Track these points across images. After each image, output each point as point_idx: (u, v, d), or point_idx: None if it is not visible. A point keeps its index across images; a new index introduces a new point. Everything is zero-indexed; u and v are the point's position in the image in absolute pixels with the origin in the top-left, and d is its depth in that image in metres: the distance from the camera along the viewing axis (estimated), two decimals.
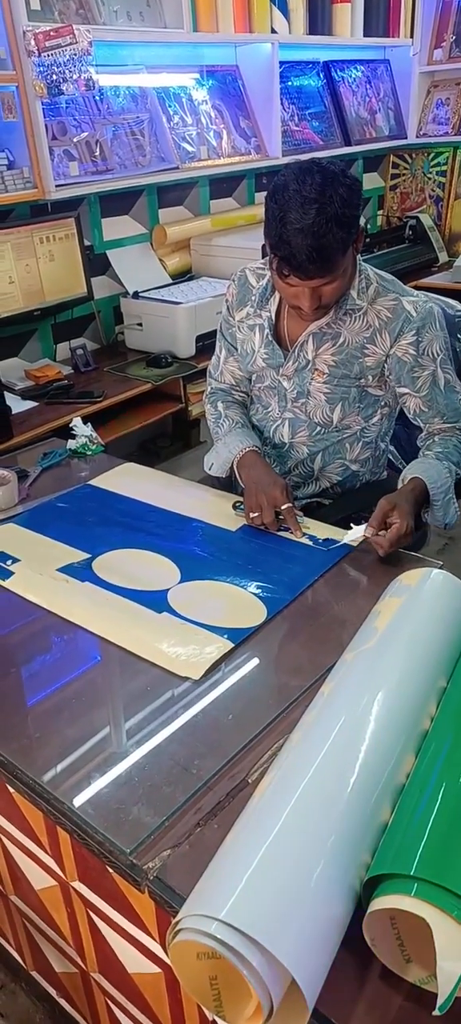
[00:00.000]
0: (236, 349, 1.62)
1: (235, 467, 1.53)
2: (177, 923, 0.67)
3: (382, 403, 1.54)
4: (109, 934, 0.99)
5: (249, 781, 0.89)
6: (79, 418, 1.84)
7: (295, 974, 0.62)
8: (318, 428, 1.54)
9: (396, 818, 0.75)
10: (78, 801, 0.88)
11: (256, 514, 1.40)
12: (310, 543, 1.35)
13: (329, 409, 1.51)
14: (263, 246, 2.68)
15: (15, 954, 1.30)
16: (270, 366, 1.55)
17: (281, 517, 1.40)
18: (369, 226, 3.80)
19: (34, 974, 1.27)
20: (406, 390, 1.48)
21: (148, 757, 0.93)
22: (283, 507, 1.39)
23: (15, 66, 2.25)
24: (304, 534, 1.38)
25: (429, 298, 1.58)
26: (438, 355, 1.46)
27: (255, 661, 1.09)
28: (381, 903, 0.68)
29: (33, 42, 2.25)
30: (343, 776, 0.77)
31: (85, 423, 1.83)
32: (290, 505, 1.40)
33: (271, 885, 0.67)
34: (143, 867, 0.80)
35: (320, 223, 1.25)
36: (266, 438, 1.62)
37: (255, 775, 0.90)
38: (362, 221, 1.50)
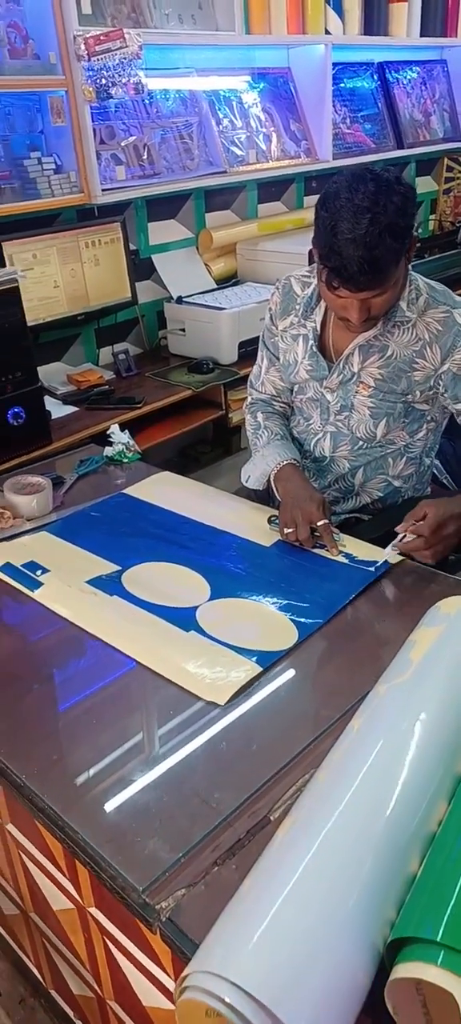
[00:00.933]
0: (278, 359, 1.57)
1: (272, 480, 1.48)
2: (185, 978, 0.63)
3: (428, 418, 1.47)
4: (124, 964, 0.96)
5: (271, 819, 0.85)
6: (117, 425, 1.82)
7: None
8: (360, 443, 1.48)
9: (424, 873, 0.70)
10: (93, 831, 0.85)
11: (291, 530, 1.35)
12: (346, 561, 1.30)
13: (373, 424, 1.45)
14: (310, 251, 2.65)
15: (35, 970, 1.28)
16: (313, 378, 1.49)
17: (317, 534, 1.35)
18: (420, 231, 3.70)
19: (53, 993, 1.25)
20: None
21: (167, 787, 0.90)
22: (319, 523, 1.34)
23: (65, 71, 2.25)
24: (340, 552, 1.32)
25: None
26: None
27: (283, 687, 1.05)
28: (405, 970, 0.62)
29: (83, 47, 2.26)
30: (370, 822, 0.72)
31: (123, 430, 1.81)
32: (326, 522, 1.35)
33: (285, 944, 0.62)
34: (156, 907, 0.76)
35: (372, 233, 1.20)
36: (306, 451, 1.57)
37: (278, 812, 0.85)
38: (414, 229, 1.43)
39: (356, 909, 0.66)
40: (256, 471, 1.52)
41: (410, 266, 1.40)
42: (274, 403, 1.62)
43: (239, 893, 0.70)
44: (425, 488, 1.59)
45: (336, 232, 1.22)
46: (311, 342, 1.48)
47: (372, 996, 0.64)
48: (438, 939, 0.61)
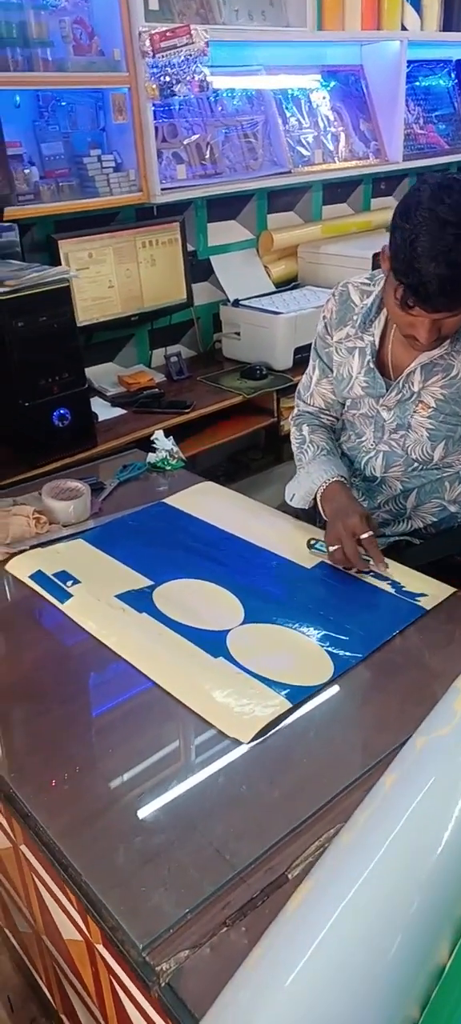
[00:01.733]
0: (331, 371, 1.47)
1: (318, 500, 1.39)
2: None
3: None
4: (131, 1009, 0.89)
5: (289, 876, 0.77)
6: (161, 431, 1.77)
7: None
8: (415, 464, 1.38)
9: (454, 966, 0.61)
10: (99, 873, 0.79)
11: (336, 547, 1.26)
12: (393, 591, 1.20)
13: (430, 446, 1.34)
14: (375, 255, 2.54)
15: (46, 991, 1.24)
16: (369, 395, 1.39)
17: (363, 551, 1.25)
18: None
19: (63, 1018, 1.20)
20: None
21: (180, 830, 0.83)
22: (363, 536, 1.24)
23: (129, 68, 2.23)
24: (387, 578, 1.23)
25: None
26: None
27: (313, 728, 0.97)
28: None
29: (148, 43, 2.23)
30: (396, 901, 0.64)
31: (167, 436, 1.77)
32: (371, 534, 1.25)
33: None
34: (156, 967, 0.70)
35: (457, 250, 1.10)
36: (356, 469, 1.47)
37: (297, 870, 0.77)
38: None
39: (373, 1000, 0.58)
40: (301, 489, 1.43)
41: None
42: (322, 416, 1.53)
43: (246, 967, 0.62)
44: None
45: (416, 247, 1.11)
46: (368, 357, 1.37)
47: None
48: None
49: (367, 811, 0.75)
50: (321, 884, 0.67)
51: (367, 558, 1.25)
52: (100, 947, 0.91)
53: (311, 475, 1.41)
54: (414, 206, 1.13)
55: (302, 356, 2.35)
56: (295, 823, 0.82)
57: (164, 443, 1.74)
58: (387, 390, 1.36)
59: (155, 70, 2.30)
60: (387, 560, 1.26)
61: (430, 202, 1.11)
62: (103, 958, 0.92)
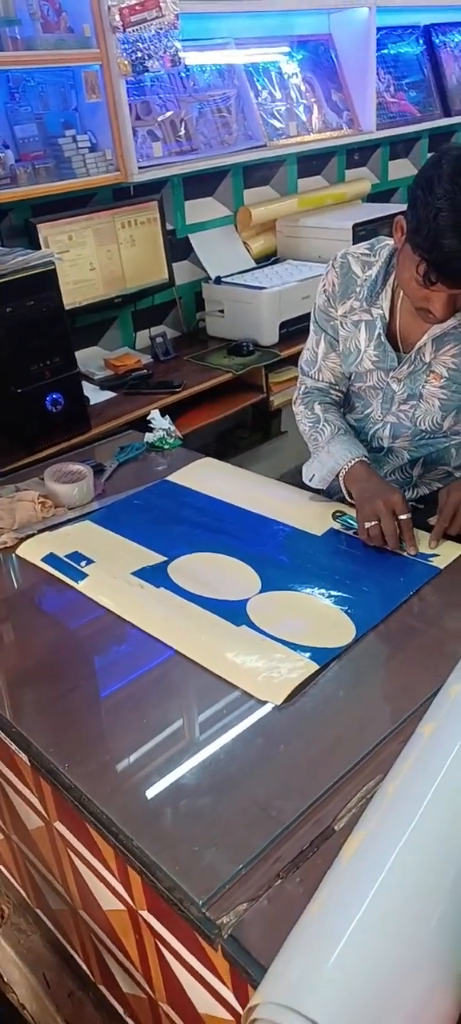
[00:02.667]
0: (338, 343, 1.44)
1: (342, 480, 1.37)
2: (253, 1008, 0.58)
3: None
4: (179, 970, 0.92)
5: (335, 828, 0.80)
6: (157, 410, 1.78)
7: None
8: (423, 433, 1.39)
9: None
10: (149, 838, 0.81)
11: (374, 523, 1.24)
12: (404, 553, 1.23)
13: (441, 416, 1.36)
14: (355, 226, 2.56)
15: (83, 965, 1.26)
16: (379, 368, 1.38)
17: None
18: None
19: (102, 988, 1.22)
20: None
21: (223, 794, 0.85)
22: (402, 517, 1.24)
23: (99, 44, 2.19)
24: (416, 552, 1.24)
25: None
26: None
27: (342, 687, 0.99)
28: None
29: (118, 17, 2.19)
30: (448, 838, 0.67)
31: (163, 415, 1.77)
32: (410, 516, 1.25)
33: (361, 973, 0.58)
34: (217, 922, 0.72)
35: None
36: (362, 440, 1.46)
37: (342, 822, 0.80)
38: None
39: (438, 933, 0.61)
40: (323, 469, 1.41)
41: None
42: (332, 392, 1.50)
43: (307, 914, 0.65)
44: None
45: (439, 221, 1.09)
46: (379, 330, 1.36)
47: None
48: None
49: (409, 760, 0.78)
50: (373, 832, 0.70)
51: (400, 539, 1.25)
52: (144, 913, 0.93)
53: (333, 455, 1.39)
54: (436, 179, 1.10)
55: (288, 331, 2.37)
56: (336, 778, 0.85)
57: (161, 422, 1.74)
58: (399, 363, 1.36)
59: (126, 46, 2.27)
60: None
61: (453, 175, 1.09)
62: (148, 924, 0.94)
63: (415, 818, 0.69)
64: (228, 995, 0.82)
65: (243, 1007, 0.79)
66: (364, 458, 1.37)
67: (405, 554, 1.23)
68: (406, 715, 0.91)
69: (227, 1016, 0.85)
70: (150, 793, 0.87)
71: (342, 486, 1.38)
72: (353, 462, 1.36)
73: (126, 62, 2.26)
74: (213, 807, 0.84)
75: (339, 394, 1.51)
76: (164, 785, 0.88)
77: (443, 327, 1.30)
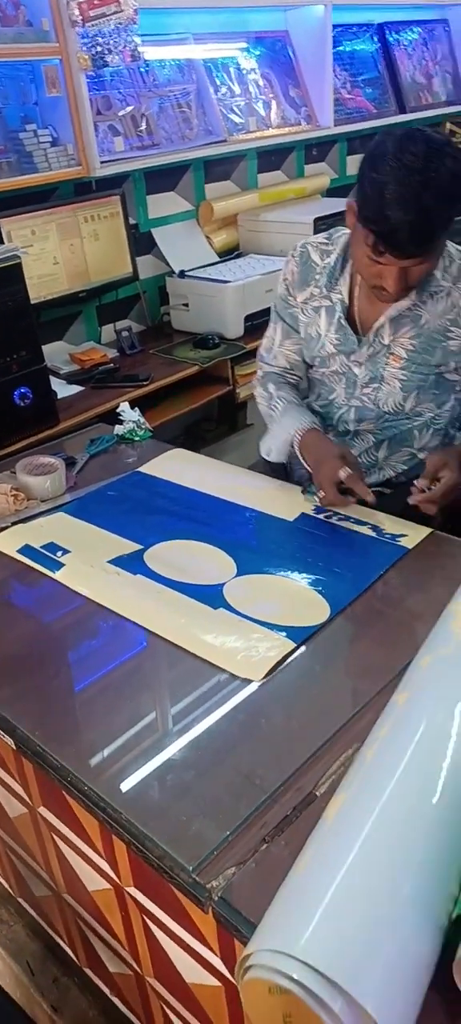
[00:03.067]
0: (297, 332, 1.51)
1: (298, 451, 1.44)
2: (247, 957, 0.62)
3: (457, 388, 1.44)
4: (166, 942, 0.95)
5: (317, 794, 0.84)
6: (127, 403, 1.79)
7: (381, 1021, 0.56)
8: (387, 415, 1.45)
9: None
10: (136, 810, 0.84)
11: (322, 494, 1.32)
12: (374, 535, 1.28)
13: (402, 397, 1.41)
14: (316, 219, 2.60)
15: (68, 950, 1.28)
16: (341, 351, 1.44)
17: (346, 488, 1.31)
18: None
19: (87, 971, 1.24)
20: None
21: (208, 766, 0.88)
22: (342, 476, 1.29)
23: (59, 38, 2.19)
24: (367, 523, 1.30)
25: None
26: None
27: (319, 662, 1.03)
28: None
29: (77, 11, 2.19)
30: (426, 797, 0.71)
31: (132, 408, 1.79)
32: (349, 472, 1.30)
33: (351, 920, 0.61)
34: (206, 886, 0.75)
35: (426, 198, 1.15)
36: (328, 425, 1.52)
37: (324, 788, 0.84)
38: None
39: (417, 884, 0.65)
40: (277, 442, 1.48)
41: None
42: (287, 375, 1.58)
43: (295, 869, 0.68)
44: None
45: (385, 194, 1.16)
46: (339, 314, 1.42)
47: (440, 971, 0.63)
48: None
49: (385, 727, 0.82)
50: (354, 794, 0.74)
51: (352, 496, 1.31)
52: (131, 890, 0.96)
53: (285, 427, 1.46)
54: (380, 156, 1.18)
55: (253, 323, 2.40)
56: (316, 747, 0.89)
57: (130, 415, 1.76)
58: (358, 345, 1.41)
59: (86, 40, 2.27)
60: (368, 509, 1.32)
61: (396, 152, 1.16)
62: (134, 899, 0.96)
63: (393, 779, 0.73)
64: (216, 961, 0.85)
65: (230, 971, 0.83)
66: (314, 425, 1.43)
67: (369, 530, 1.28)
68: (381, 687, 0.96)
69: (215, 982, 0.88)
70: (136, 771, 0.89)
71: (300, 458, 1.44)
72: (304, 431, 1.42)
73: (86, 56, 2.26)
74: (199, 780, 0.87)
75: (294, 378, 1.58)
76: (150, 763, 0.90)
77: (399, 307, 1.35)
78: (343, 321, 1.42)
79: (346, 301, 1.42)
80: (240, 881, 0.75)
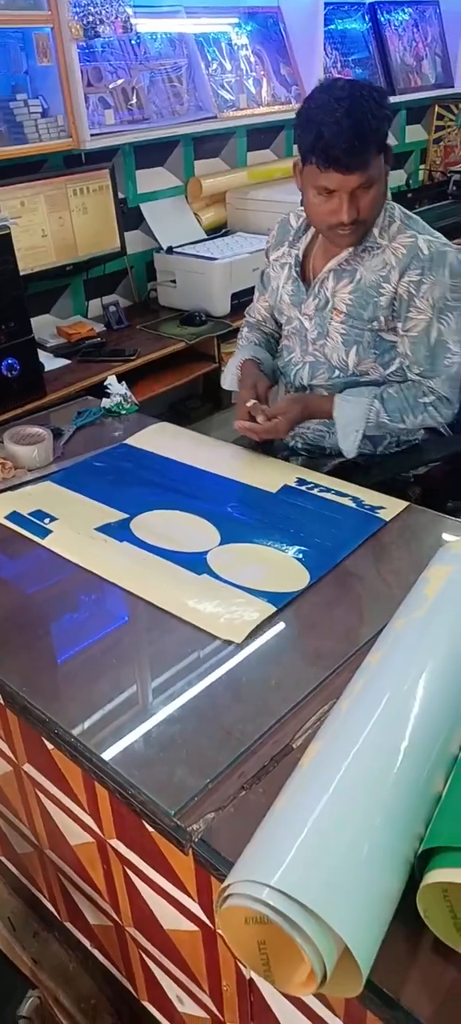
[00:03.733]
0: (266, 289, 1.68)
1: (236, 378, 1.64)
2: (226, 887, 0.66)
3: (400, 350, 1.50)
4: (145, 891, 0.99)
5: (293, 747, 0.88)
6: (114, 377, 1.81)
7: (350, 944, 0.60)
8: (337, 371, 1.54)
9: (451, 790, 0.73)
10: (120, 761, 0.87)
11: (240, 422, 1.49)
12: (354, 506, 1.32)
13: (345, 352, 1.51)
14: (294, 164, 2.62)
15: (49, 905, 1.31)
16: (293, 303, 1.57)
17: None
18: (411, 182, 3.68)
19: (68, 925, 1.28)
20: (400, 329, 1.46)
21: (190, 720, 0.92)
22: (248, 404, 1.47)
23: (50, 6, 2.18)
24: (349, 495, 1.35)
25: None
26: (437, 303, 1.41)
27: (298, 626, 1.07)
28: (435, 876, 0.66)
29: None
30: (394, 745, 0.75)
31: (120, 381, 1.81)
32: (254, 402, 1.47)
33: (323, 854, 0.66)
34: (187, 829, 0.79)
35: (355, 112, 1.29)
36: (288, 383, 1.65)
37: (299, 740, 0.88)
38: (392, 140, 1.56)
39: (386, 821, 0.69)
40: (230, 370, 1.68)
41: (390, 196, 1.49)
42: (260, 326, 1.75)
43: (273, 811, 0.72)
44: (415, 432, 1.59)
45: (318, 116, 1.31)
46: (293, 267, 1.56)
47: (405, 901, 0.67)
48: None
49: (360, 682, 0.86)
50: (329, 742, 0.78)
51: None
52: (113, 841, 1.00)
53: (236, 358, 1.68)
54: (311, 99, 1.36)
55: (239, 302, 2.42)
56: (293, 704, 0.93)
57: (117, 388, 1.78)
58: (306, 295, 1.54)
59: (77, 9, 2.26)
60: (348, 482, 1.41)
61: (324, 92, 1.34)
62: (116, 851, 1.00)
63: (366, 728, 0.77)
64: (194, 906, 0.89)
65: (207, 915, 0.87)
66: (254, 358, 1.64)
67: (349, 502, 1.33)
68: (355, 649, 1.00)
69: (192, 927, 0.92)
70: (121, 725, 0.93)
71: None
72: (244, 360, 1.64)
73: (78, 25, 2.25)
74: (181, 733, 0.90)
75: (268, 329, 1.74)
76: (134, 718, 0.94)
77: (339, 259, 1.47)
78: (295, 273, 1.55)
79: (300, 256, 1.55)
80: (219, 825, 0.79)
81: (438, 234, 1.47)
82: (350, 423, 1.45)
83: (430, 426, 1.50)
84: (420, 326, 1.42)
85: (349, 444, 1.46)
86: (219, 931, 0.85)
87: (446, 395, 1.46)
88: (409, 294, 1.41)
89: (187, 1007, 1.04)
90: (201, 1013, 1.00)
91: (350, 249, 1.45)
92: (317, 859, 0.65)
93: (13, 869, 1.40)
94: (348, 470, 1.54)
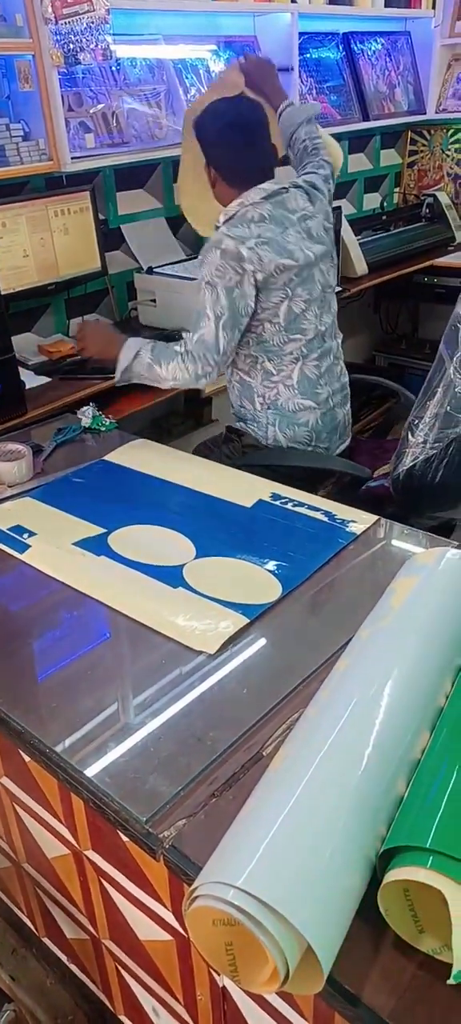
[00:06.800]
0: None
1: None
2: (194, 890, 0.67)
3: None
4: (121, 902, 1.00)
5: (263, 754, 0.90)
6: (88, 407, 1.84)
7: (312, 942, 0.62)
8: None
9: (412, 792, 0.76)
10: (94, 770, 0.89)
11: None
12: (326, 519, 1.35)
13: None
14: None
15: (27, 921, 1.32)
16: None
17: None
18: (386, 204, 3.76)
19: (45, 940, 1.29)
20: None
21: (163, 729, 0.94)
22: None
23: (32, 34, 2.22)
24: (322, 510, 1.38)
25: (260, 243, 1.74)
26: (204, 278, 1.70)
27: (270, 637, 1.10)
28: (396, 875, 0.68)
29: (50, 9, 2.23)
30: (359, 750, 0.78)
31: (95, 407, 1.84)
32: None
33: (288, 855, 0.68)
34: (159, 836, 0.81)
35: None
36: None
37: (270, 748, 0.90)
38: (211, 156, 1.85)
39: (349, 823, 0.72)
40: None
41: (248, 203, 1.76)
42: None
43: (240, 816, 0.74)
44: (292, 404, 1.83)
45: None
46: None
47: (366, 901, 0.69)
48: (427, 845, 0.67)
49: (328, 689, 0.89)
50: (297, 747, 0.81)
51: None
52: (89, 853, 1.01)
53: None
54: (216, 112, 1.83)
55: None
56: (263, 712, 0.95)
57: (88, 412, 1.81)
58: None
59: (58, 37, 2.30)
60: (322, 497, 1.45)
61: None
62: (92, 862, 1.02)
63: (332, 734, 0.79)
64: (167, 915, 0.91)
65: (181, 925, 0.88)
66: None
67: (322, 516, 1.36)
68: (324, 659, 1.02)
69: (166, 937, 0.93)
70: (96, 735, 0.94)
71: None
72: None
73: (59, 53, 2.29)
74: (154, 742, 0.92)
75: None
76: (109, 728, 0.96)
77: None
78: None
79: None
80: (190, 831, 0.81)
81: (236, 229, 1.71)
82: (125, 356, 1.77)
83: (180, 380, 1.74)
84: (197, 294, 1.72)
85: (119, 371, 1.78)
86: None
87: (192, 351, 1.71)
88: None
89: (163, 1019, 1.05)
90: None
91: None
92: (282, 861, 0.67)
93: None
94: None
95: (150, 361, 1.73)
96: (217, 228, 1.76)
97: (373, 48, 3.53)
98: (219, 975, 0.86)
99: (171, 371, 1.71)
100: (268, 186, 1.82)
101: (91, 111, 2.51)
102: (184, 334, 1.76)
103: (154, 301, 2.58)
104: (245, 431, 1.89)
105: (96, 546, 1.29)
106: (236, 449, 1.89)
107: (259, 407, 1.85)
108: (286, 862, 0.67)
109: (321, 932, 0.64)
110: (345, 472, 1.83)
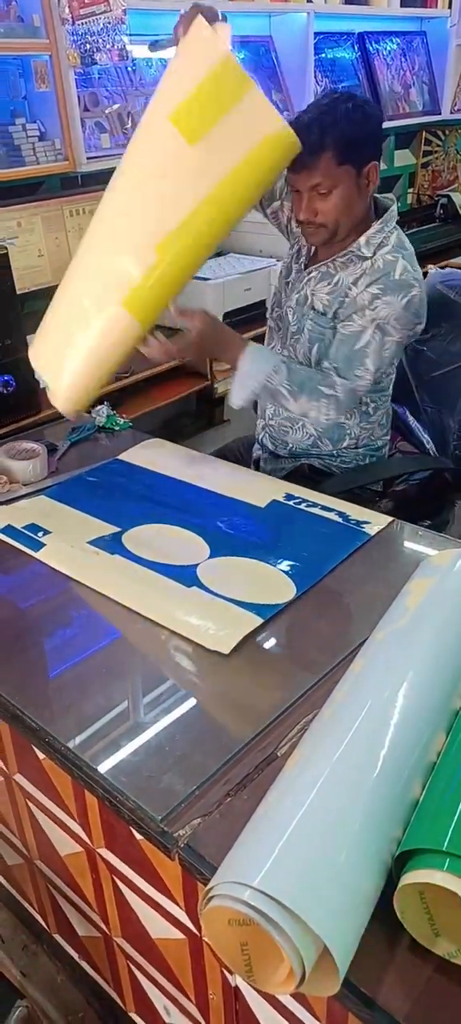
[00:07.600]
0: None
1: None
2: (210, 890, 0.67)
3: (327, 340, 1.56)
4: (134, 900, 1.00)
5: (278, 754, 0.90)
6: (101, 406, 1.84)
7: (328, 943, 0.62)
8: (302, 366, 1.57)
9: (428, 795, 0.75)
10: (109, 768, 0.89)
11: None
12: (340, 521, 1.35)
13: (309, 348, 1.56)
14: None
15: (38, 917, 1.32)
16: (285, 281, 1.64)
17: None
18: (400, 205, 3.74)
19: (57, 937, 1.29)
20: (337, 323, 1.51)
21: (178, 727, 0.94)
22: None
23: (49, 35, 2.24)
24: (335, 511, 1.38)
25: (437, 286, 1.67)
26: (377, 317, 1.44)
27: (284, 637, 1.10)
28: (412, 877, 0.68)
29: (67, 10, 2.24)
30: (374, 752, 0.77)
31: (109, 406, 1.84)
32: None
33: (304, 855, 0.68)
34: (174, 835, 0.81)
35: (319, 117, 1.35)
36: None
37: (284, 748, 0.90)
38: (382, 164, 1.59)
39: (365, 824, 0.71)
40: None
41: (394, 225, 1.51)
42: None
43: (256, 816, 0.74)
44: (377, 442, 1.67)
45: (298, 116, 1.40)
46: (304, 251, 1.63)
47: (382, 903, 0.69)
48: (444, 848, 0.66)
49: (343, 690, 0.89)
50: (313, 748, 0.80)
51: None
52: (102, 851, 1.01)
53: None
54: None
55: (231, 322, 2.45)
56: (278, 712, 0.95)
57: (102, 411, 1.82)
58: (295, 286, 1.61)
59: (75, 38, 2.32)
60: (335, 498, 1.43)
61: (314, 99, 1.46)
62: (105, 860, 1.02)
63: (347, 736, 0.79)
64: (180, 915, 0.91)
65: (194, 923, 0.88)
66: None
67: (336, 517, 1.36)
68: (338, 660, 1.02)
69: (179, 935, 0.93)
70: (110, 733, 0.95)
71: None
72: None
73: (75, 53, 2.30)
74: (169, 741, 0.92)
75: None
76: (123, 724, 0.96)
77: (326, 261, 1.53)
78: (305, 257, 1.61)
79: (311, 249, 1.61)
80: (205, 830, 0.81)
81: (420, 273, 1.47)
82: (251, 376, 1.47)
83: (312, 419, 1.50)
84: (354, 328, 1.47)
85: (240, 394, 1.48)
86: (205, 938, 0.86)
87: (343, 401, 1.47)
88: (363, 299, 1.46)
89: (174, 1018, 1.05)
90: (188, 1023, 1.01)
91: (338, 254, 1.50)
92: (298, 861, 0.67)
93: (3, 881, 1.41)
94: (316, 481, 1.59)
95: (286, 392, 1.47)
96: (377, 247, 1.48)
97: (388, 48, 3.52)
98: (231, 974, 0.86)
99: (309, 408, 1.47)
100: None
101: (107, 111, 2.53)
102: (334, 375, 1.48)
103: None
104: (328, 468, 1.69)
105: (110, 545, 1.29)
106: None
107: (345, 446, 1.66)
108: (302, 863, 0.67)
109: (337, 933, 0.64)
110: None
